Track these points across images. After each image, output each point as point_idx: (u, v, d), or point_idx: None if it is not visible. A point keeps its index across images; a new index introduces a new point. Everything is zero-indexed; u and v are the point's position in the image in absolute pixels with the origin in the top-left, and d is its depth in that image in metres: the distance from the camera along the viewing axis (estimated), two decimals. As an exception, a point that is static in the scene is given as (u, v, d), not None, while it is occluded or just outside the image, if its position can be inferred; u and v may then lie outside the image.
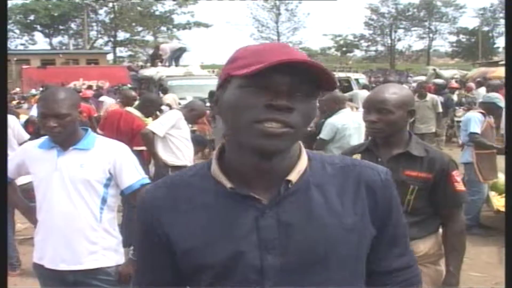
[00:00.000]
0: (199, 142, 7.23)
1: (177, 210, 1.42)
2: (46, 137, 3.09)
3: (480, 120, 6.82)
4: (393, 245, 1.50)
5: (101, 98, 16.12)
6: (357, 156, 2.98)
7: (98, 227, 3.06)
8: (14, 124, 5.50)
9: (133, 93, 9.11)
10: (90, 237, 3.05)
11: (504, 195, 7.21)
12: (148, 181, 3.22)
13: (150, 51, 24.01)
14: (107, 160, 3.06)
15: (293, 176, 1.38)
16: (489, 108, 6.99)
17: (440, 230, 3.00)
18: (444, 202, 2.91)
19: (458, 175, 2.94)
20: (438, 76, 24.21)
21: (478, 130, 6.76)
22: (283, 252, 1.36)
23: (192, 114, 6.31)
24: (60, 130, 2.96)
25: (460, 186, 2.92)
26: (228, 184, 1.38)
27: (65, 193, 3.01)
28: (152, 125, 6.13)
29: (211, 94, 2.01)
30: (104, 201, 3.08)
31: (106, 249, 3.10)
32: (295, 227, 1.36)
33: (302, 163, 1.41)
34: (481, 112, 6.96)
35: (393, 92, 2.93)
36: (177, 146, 5.97)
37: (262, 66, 1.26)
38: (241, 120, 1.31)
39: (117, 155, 3.09)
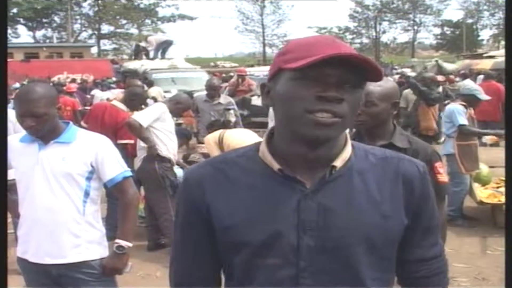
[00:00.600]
0: (184, 135, 7.20)
1: (221, 188, 1.49)
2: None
3: (463, 111, 6.86)
4: (426, 235, 1.58)
5: (93, 92, 15.99)
6: None
7: (81, 220, 3.06)
8: (14, 119, 5.47)
9: (139, 82, 9.13)
10: (74, 230, 3.04)
11: (487, 186, 7.31)
12: (130, 173, 3.22)
13: (134, 44, 23.83)
14: (89, 153, 3.04)
15: (338, 163, 1.45)
16: (468, 100, 7.02)
17: None
18: None
19: (441, 167, 2.96)
20: (440, 68, 23.83)
21: (465, 121, 6.80)
22: (320, 235, 1.43)
23: (177, 107, 6.29)
24: (39, 128, 2.95)
25: (443, 178, 2.94)
26: (276, 166, 1.45)
27: (47, 187, 3.00)
28: (136, 115, 6.10)
29: (263, 86, 2.02)
30: (86, 194, 3.07)
31: (89, 242, 3.09)
32: (334, 211, 1.44)
33: (347, 151, 1.49)
34: (462, 104, 6.99)
35: (378, 84, 2.92)
36: (161, 138, 5.93)
37: (312, 60, 1.32)
38: (294, 110, 1.38)
39: (99, 148, 3.07)
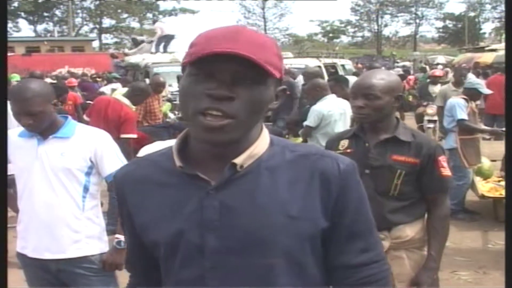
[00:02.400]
0: (183, 130, 7.20)
1: (138, 187, 1.49)
2: None
3: (464, 106, 6.85)
4: (352, 240, 1.45)
5: (102, 89, 15.72)
6: (345, 142, 3.02)
7: (81, 215, 3.05)
8: None
9: (161, 79, 9.20)
10: (73, 225, 3.04)
11: (488, 180, 7.30)
12: None
13: (137, 37, 23.70)
14: (88, 148, 3.04)
15: (240, 160, 1.38)
16: (470, 94, 7.02)
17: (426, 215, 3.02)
18: (430, 187, 2.92)
19: (444, 161, 2.95)
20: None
21: (465, 116, 6.79)
22: (224, 234, 1.38)
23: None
24: (36, 125, 2.94)
25: (446, 172, 2.93)
26: (178, 163, 1.42)
27: (47, 182, 3.00)
28: None
29: (178, 78, 1.99)
30: (86, 189, 3.06)
31: (89, 237, 3.09)
32: (237, 211, 1.38)
33: (257, 148, 1.41)
34: (464, 98, 6.99)
35: (381, 77, 2.93)
36: None
37: (196, 57, 1.29)
38: (188, 109, 1.34)
39: (98, 143, 3.07)
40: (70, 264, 3.07)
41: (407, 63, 27.63)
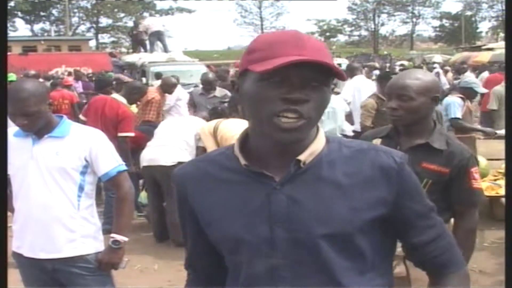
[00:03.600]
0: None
1: (201, 185, 1.57)
2: None
3: (460, 105, 6.86)
4: (419, 220, 1.58)
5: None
6: (377, 141, 2.89)
7: (76, 215, 3.05)
8: None
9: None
10: (69, 225, 3.04)
11: (484, 179, 7.29)
12: (125, 168, 3.20)
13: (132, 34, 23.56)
14: (83, 147, 3.03)
15: (304, 156, 1.47)
16: (466, 93, 7.04)
17: (451, 220, 2.89)
18: (459, 198, 2.82)
19: (477, 172, 2.82)
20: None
21: (459, 115, 6.81)
22: (292, 227, 1.46)
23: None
24: (31, 125, 2.94)
25: (477, 184, 2.81)
26: (243, 161, 1.50)
27: (42, 181, 3.00)
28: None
29: (233, 82, 1.91)
30: (81, 188, 3.06)
31: (85, 237, 3.09)
32: (303, 204, 1.47)
33: (317, 145, 1.50)
34: (460, 97, 7.00)
35: (416, 77, 2.82)
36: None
37: (274, 67, 1.34)
38: (261, 113, 1.42)
39: (93, 142, 3.07)
40: (65, 263, 3.07)
41: (405, 62, 27.59)
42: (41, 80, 16.48)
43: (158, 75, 15.58)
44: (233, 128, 5.93)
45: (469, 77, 10.72)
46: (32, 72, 14.44)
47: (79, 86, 16.96)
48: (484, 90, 7.31)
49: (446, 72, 19.59)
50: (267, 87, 1.40)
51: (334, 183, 1.48)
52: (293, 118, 1.39)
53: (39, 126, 2.97)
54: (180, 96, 9.49)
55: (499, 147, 7.05)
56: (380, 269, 1.57)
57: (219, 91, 8.83)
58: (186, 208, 1.62)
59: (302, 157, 1.46)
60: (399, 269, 2.84)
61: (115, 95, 6.98)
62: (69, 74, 20.40)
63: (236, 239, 1.51)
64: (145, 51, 19.97)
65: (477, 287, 4.93)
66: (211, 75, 9.42)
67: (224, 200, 1.53)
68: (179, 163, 5.58)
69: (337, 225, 1.46)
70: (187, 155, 6.02)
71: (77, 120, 6.53)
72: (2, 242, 2.51)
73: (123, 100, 6.70)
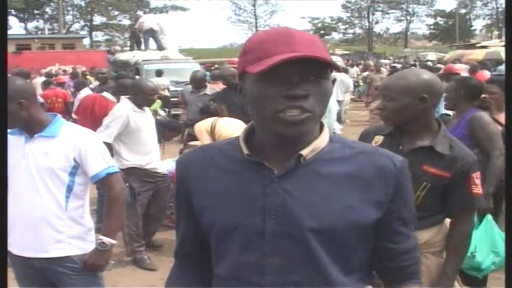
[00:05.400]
0: (174, 128, 7.09)
1: (205, 171, 1.58)
2: None
3: None
4: (401, 227, 1.58)
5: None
6: (379, 138, 2.86)
7: (63, 215, 3.01)
8: None
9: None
10: (56, 225, 3.01)
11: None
12: (115, 169, 3.14)
13: (127, 35, 23.56)
14: (72, 148, 2.99)
15: (306, 151, 1.48)
16: None
17: (446, 220, 2.85)
18: (457, 203, 2.74)
19: (478, 177, 2.74)
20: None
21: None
22: (284, 220, 1.47)
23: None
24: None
25: (477, 189, 2.73)
26: (245, 151, 1.52)
27: (31, 181, 2.97)
28: (98, 132, 5.24)
29: (236, 85, 1.85)
30: (69, 189, 3.01)
31: (72, 238, 3.05)
32: (299, 198, 1.47)
33: (320, 142, 1.52)
34: None
35: (400, 77, 2.79)
36: (130, 148, 5.49)
37: (268, 67, 1.36)
38: (265, 111, 1.43)
39: (82, 143, 3.02)
40: (52, 263, 3.04)
41: (397, 65, 27.55)
42: (40, 78, 16.46)
43: (159, 73, 15.57)
44: (232, 127, 5.92)
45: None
46: (25, 70, 14.27)
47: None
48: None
49: (437, 70, 19.64)
50: (267, 87, 1.42)
51: (331, 180, 1.49)
52: (297, 112, 1.41)
53: (14, 126, 2.94)
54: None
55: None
56: (365, 271, 1.57)
57: (210, 89, 8.81)
58: (183, 192, 1.63)
59: (304, 152, 1.48)
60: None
61: (104, 93, 6.95)
62: (64, 72, 20.32)
63: (228, 227, 1.52)
64: (139, 49, 19.93)
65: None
66: (199, 74, 9.38)
67: (222, 187, 1.54)
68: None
69: (328, 221, 1.46)
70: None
71: (70, 118, 6.50)
72: (2, 242, 2.49)
73: (112, 98, 6.67)
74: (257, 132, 1.55)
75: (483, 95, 4.55)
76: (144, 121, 5.51)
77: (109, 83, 10.84)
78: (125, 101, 5.55)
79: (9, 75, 3.15)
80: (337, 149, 1.53)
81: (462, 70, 9.43)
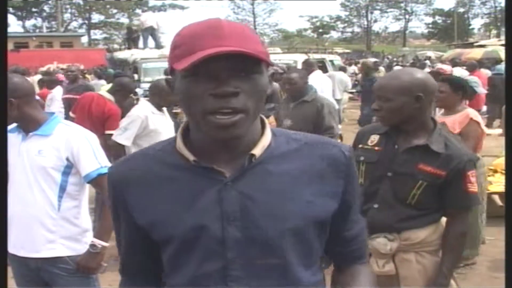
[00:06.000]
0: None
1: (142, 184, 1.46)
2: None
3: None
4: (349, 213, 1.56)
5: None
6: (375, 137, 2.87)
7: (56, 215, 2.98)
8: None
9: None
10: (48, 225, 2.98)
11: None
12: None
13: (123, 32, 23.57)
14: (65, 147, 2.96)
15: (257, 151, 1.41)
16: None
17: (443, 219, 2.85)
18: (453, 201, 2.75)
19: (473, 176, 2.76)
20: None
21: None
22: (245, 224, 1.39)
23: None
24: None
25: (473, 188, 2.74)
26: (191, 157, 1.41)
27: (25, 179, 2.95)
28: (116, 135, 5.45)
29: (167, 81, 1.83)
30: (62, 189, 2.98)
31: (65, 238, 3.01)
32: (256, 200, 1.40)
33: (266, 138, 1.44)
34: None
35: (393, 77, 2.79)
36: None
37: (190, 64, 1.27)
38: (194, 110, 1.34)
39: (75, 142, 2.98)
40: (46, 263, 3.02)
41: (398, 66, 27.52)
42: (37, 76, 16.40)
43: (166, 72, 15.50)
44: None
45: (461, 74, 10.70)
46: (20, 68, 14.22)
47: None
48: (483, 91, 7.18)
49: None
50: (194, 84, 1.32)
51: (286, 178, 1.42)
52: (227, 113, 1.31)
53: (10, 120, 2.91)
54: None
55: (492, 143, 7.07)
56: (318, 262, 1.54)
57: None
58: (123, 210, 1.51)
59: (255, 151, 1.40)
60: (388, 267, 2.83)
61: (102, 92, 6.91)
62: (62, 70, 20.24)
63: (186, 238, 1.42)
64: (136, 47, 19.89)
65: (468, 284, 4.91)
66: None
67: (170, 199, 1.43)
68: None
69: (291, 221, 1.41)
70: None
71: (68, 116, 6.47)
72: (2, 242, 2.47)
73: (110, 97, 6.63)
74: (193, 133, 1.45)
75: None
76: (163, 123, 5.44)
77: (79, 82, 10.98)
78: (144, 102, 5.52)
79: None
80: (283, 143, 1.47)
81: (448, 71, 9.40)
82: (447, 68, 9.90)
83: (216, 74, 1.30)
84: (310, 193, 1.44)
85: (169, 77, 1.44)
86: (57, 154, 2.95)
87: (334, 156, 1.48)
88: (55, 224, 2.99)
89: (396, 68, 20.32)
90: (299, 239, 1.43)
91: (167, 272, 1.52)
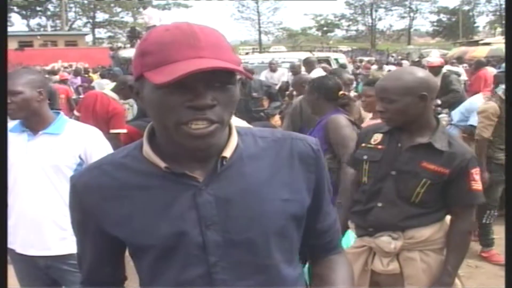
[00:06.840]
0: None
1: (112, 193, 1.41)
2: (18, 121, 3.03)
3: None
4: (321, 206, 1.57)
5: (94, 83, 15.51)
6: (378, 136, 2.87)
7: (68, 212, 3.00)
8: None
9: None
10: (60, 223, 2.99)
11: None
12: None
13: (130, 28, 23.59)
14: (78, 145, 2.99)
15: (228, 152, 1.40)
16: None
17: (447, 217, 2.85)
18: (457, 199, 2.75)
19: (477, 173, 2.75)
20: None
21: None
22: (224, 228, 1.38)
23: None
24: (16, 109, 2.90)
25: (477, 185, 2.73)
26: (162, 164, 1.37)
27: (35, 178, 2.96)
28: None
29: (131, 86, 1.77)
30: None
31: None
32: (232, 202, 1.38)
33: (234, 139, 1.43)
34: None
35: (395, 78, 2.76)
36: None
37: (171, 80, 1.21)
38: (167, 121, 1.30)
39: (88, 141, 3.02)
40: (56, 260, 3.04)
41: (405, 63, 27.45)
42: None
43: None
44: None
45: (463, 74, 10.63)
46: (25, 67, 14.31)
47: (78, 82, 16.95)
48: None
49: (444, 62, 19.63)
50: (169, 96, 1.27)
51: (259, 178, 1.42)
52: (204, 124, 1.28)
53: (23, 113, 2.93)
54: None
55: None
56: (297, 256, 1.54)
57: None
58: (88, 220, 1.46)
59: (226, 153, 1.39)
60: (392, 266, 2.82)
61: (106, 91, 6.92)
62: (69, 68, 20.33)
63: (164, 247, 1.38)
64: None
65: (473, 283, 4.91)
66: None
67: (144, 208, 1.38)
68: None
69: (271, 220, 1.41)
70: None
71: (72, 114, 6.48)
72: (2, 241, 2.47)
73: (114, 95, 6.64)
74: (162, 140, 1.40)
75: (341, 92, 4.26)
76: None
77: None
78: None
79: (9, 71, 3.17)
80: (251, 142, 1.46)
81: (437, 62, 9.23)
82: (434, 61, 9.70)
83: (193, 86, 1.26)
84: (285, 191, 1.44)
85: (133, 82, 1.38)
86: (71, 152, 2.98)
87: (302, 150, 1.49)
88: (67, 221, 2.99)
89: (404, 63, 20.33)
90: (281, 238, 1.44)
91: (145, 280, 1.49)
